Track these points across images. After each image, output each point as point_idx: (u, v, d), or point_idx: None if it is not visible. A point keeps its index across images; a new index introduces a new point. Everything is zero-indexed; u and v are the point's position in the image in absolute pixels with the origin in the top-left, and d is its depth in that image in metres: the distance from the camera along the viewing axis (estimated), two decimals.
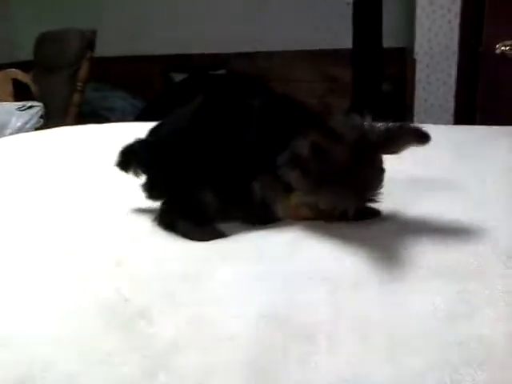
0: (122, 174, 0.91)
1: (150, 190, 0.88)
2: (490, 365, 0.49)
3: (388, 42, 2.57)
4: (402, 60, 2.99)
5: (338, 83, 3.19)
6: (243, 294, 0.65)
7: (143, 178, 0.89)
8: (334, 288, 0.65)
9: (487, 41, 2.12)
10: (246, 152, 0.82)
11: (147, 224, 0.88)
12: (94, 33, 2.75)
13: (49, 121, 2.59)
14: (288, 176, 0.78)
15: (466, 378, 0.48)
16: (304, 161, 0.76)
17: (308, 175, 0.76)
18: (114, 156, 0.92)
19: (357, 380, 0.49)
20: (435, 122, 2.48)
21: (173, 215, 0.85)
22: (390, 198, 0.83)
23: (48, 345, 0.57)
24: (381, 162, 0.78)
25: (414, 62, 2.57)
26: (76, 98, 2.75)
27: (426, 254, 0.71)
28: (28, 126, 2.51)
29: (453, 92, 2.55)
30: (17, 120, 2.50)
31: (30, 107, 2.58)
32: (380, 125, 0.76)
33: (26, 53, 3.13)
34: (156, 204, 0.88)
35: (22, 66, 2.95)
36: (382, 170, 0.79)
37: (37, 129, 2.42)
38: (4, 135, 2.29)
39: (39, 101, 2.66)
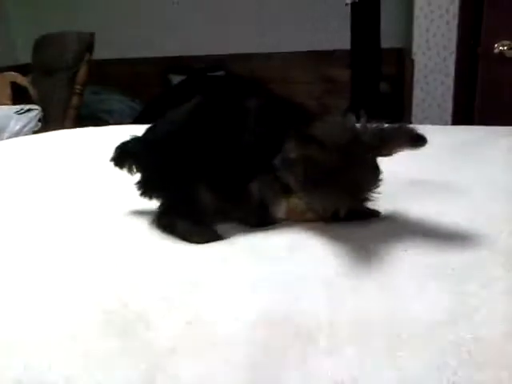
0: (119, 173, 0.91)
1: (145, 187, 0.88)
2: (488, 366, 0.49)
3: (386, 42, 2.57)
4: (400, 60, 2.99)
5: (336, 84, 3.20)
6: (242, 296, 0.65)
7: (138, 176, 0.89)
8: (332, 289, 0.64)
9: (485, 41, 2.12)
10: (242, 153, 0.82)
11: (145, 226, 0.88)
12: (92, 35, 2.75)
13: (47, 124, 2.58)
14: (286, 177, 0.78)
15: (464, 380, 0.48)
16: (294, 164, 0.76)
17: (299, 177, 0.76)
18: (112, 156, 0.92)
19: (356, 382, 0.49)
20: (433, 123, 2.49)
21: (171, 217, 0.85)
22: (389, 199, 0.83)
23: (45, 348, 0.57)
24: (374, 162, 0.78)
25: (412, 62, 2.57)
26: (75, 100, 2.75)
27: (426, 255, 0.71)
28: (26, 129, 2.51)
29: (451, 92, 2.55)
30: (15, 123, 2.49)
31: (29, 110, 2.57)
32: (375, 125, 0.75)
33: (25, 56, 3.13)
34: (153, 206, 0.88)
35: (21, 69, 2.95)
36: (376, 171, 0.78)
37: (35, 132, 2.42)
38: (2, 139, 2.29)
39: (38, 104, 2.65)
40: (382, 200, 0.81)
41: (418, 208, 0.87)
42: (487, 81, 2.15)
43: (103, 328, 0.59)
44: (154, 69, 3.48)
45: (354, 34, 2.44)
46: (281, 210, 0.85)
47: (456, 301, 0.60)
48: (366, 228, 0.82)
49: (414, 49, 2.54)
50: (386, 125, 0.75)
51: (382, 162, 0.79)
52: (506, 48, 2.07)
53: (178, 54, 3.46)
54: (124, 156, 0.91)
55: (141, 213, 0.93)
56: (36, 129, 2.54)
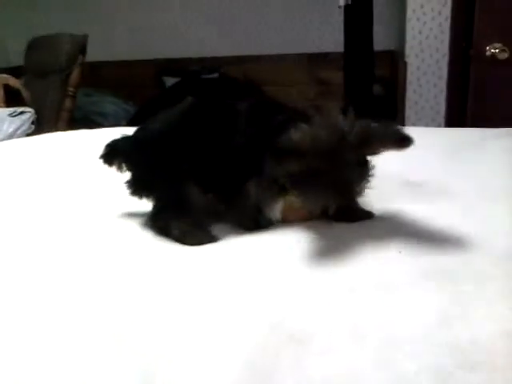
0: (112, 175, 0.91)
1: (135, 186, 0.88)
2: (483, 367, 0.50)
3: (379, 44, 2.58)
4: (393, 63, 3.00)
5: (330, 86, 3.20)
6: (236, 299, 0.65)
7: (127, 174, 0.89)
8: (327, 291, 0.65)
9: (477, 43, 2.13)
10: (233, 154, 0.82)
11: (139, 228, 0.88)
12: (85, 37, 2.74)
13: (40, 126, 2.57)
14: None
15: (459, 381, 0.48)
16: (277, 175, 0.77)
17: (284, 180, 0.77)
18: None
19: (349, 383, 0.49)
20: (426, 125, 2.50)
21: (165, 219, 0.85)
22: (382, 200, 0.83)
23: (42, 353, 0.57)
24: (362, 160, 0.77)
25: (405, 64, 2.58)
26: (68, 103, 2.74)
27: (419, 257, 0.72)
28: (19, 131, 2.50)
29: (444, 94, 2.57)
30: (8, 126, 2.48)
31: (22, 113, 2.56)
32: (363, 123, 0.74)
33: (17, 58, 3.12)
34: (145, 206, 0.88)
35: (13, 71, 2.94)
36: (363, 168, 0.78)
37: (28, 135, 2.41)
38: None
39: (31, 106, 2.64)
40: (376, 201, 0.81)
41: (411, 209, 0.88)
42: (479, 83, 2.16)
43: (98, 332, 0.59)
44: (148, 71, 3.48)
45: (347, 36, 2.45)
46: (277, 208, 0.85)
47: (450, 302, 0.60)
48: (359, 229, 0.82)
49: (407, 51, 2.55)
50: (374, 124, 0.74)
51: (376, 164, 0.79)
52: (497, 51, 2.08)
53: (171, 57, 3.46)
54: (114, 154, 0.91)
55: (134, 214, 0.93)
56: (29, 131, 2.53)
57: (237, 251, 0.78)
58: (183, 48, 3.43)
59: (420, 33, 2.51)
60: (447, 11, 2.45)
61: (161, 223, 0.85)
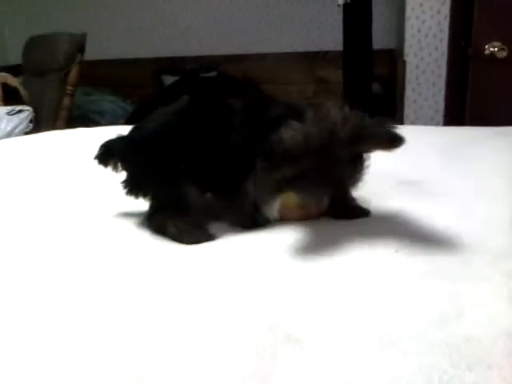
0: (109, 174, 0.91)
1: (131, 186, 0.88)
2: (478, 366, 0.49)
3: (378, 43, 2.58)
4: (392, 61, 3.00)
5: (329, 85, 3.20)
6: (234, 298, 0.64)
7: (123, 174, 0.89)
8: (324, 291, 0.64)
9: (476, 42, 2.13)
10: (229, 153, 0.82)
11: (135, 227, 0.88)
12: (83, 36, 2.74)
13: (38, 125, 2.57)
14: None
15: (454, 380, 0.48)
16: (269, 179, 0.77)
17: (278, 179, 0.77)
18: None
19: (347, 383, 0.49)
20: (425, 123, 2.50)
21: (162, 218, 0.85)
22: (379, 198, 0.83)
23: (39, 353, 0.56)
24: (354, 156, 0.77)
25: (403, 63, 2.58)
26: (66, 101, 2.74)
27: (416, 256, 0.72)
28: (18, 130, 2.49)
29: (442, 93, 2.56)
30: (6, 124, 2.48)
31: (20, 111, 2.56)
32: (357, 118, 0.73)
33: (16, 57, 3.12)
34: (143, 207, 0.88)
35: (12, 69, 2.94)
36: (355, 163, 0.78)
37: (26, 133, 2.41)
38: None
39: (29, 105, 2.64)
40: (373, 199, 0.81)
41: (408, 207, 0.88)
42: (478, 82, 2.16)
43: (96, 332, 0.59)
44: (146, 70, 3.47)
45: (347, 34, 2.45)
46: (275, 207, 0.84)
47: (446, 301, 0.60)
48: (356, 228, 0.82)
49: (406, 50, 2.55)
50: (368, 120, 0.73)
51: (374, 162, 0.79)
52: (496, 49, 2.08)
53: (170, 55, 3.46)
54: (109, 154, 0.91)
55: (130, 213, 0.92)
56: (27, 130, 2.52)
57: (234, 250, 0.78)
58: (182, 47, 3.43)
59: (419, 31, 2.51)
60: (446, 10, 2.45)
61: (158, 222, 0.85)
